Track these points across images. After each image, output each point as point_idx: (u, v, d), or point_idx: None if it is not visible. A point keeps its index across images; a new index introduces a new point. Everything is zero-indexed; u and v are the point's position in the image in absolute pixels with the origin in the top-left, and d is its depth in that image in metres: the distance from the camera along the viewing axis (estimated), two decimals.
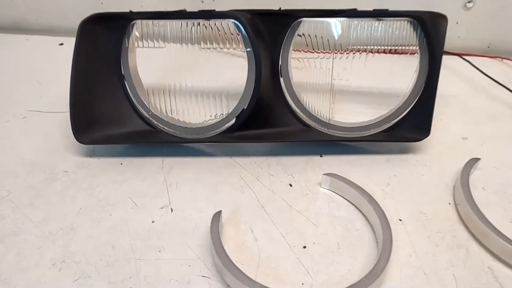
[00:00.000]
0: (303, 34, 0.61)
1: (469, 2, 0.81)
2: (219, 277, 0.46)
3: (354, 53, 0.60)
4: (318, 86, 0.63)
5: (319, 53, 0.61)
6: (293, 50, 0.62)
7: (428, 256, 0.48)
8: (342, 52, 0.60)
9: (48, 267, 0.47)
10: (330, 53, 0.61)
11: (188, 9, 0.60)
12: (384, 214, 0.50)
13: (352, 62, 0.61)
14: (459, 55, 0.79)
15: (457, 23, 0.83)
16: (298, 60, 0.62)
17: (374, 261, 0.46)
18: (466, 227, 0.51)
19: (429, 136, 0.60)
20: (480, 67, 0.78)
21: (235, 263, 0.44)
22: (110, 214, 0.53)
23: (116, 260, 0.48)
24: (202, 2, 0.85)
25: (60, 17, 0.94)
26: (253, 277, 0.44)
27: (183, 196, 0.56)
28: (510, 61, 0.83)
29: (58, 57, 0.85)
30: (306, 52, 0.62)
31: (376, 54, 0.60)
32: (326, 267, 0.47)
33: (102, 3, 0.88)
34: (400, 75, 0.61)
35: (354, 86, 0.66)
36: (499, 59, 0.84)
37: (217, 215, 0.49)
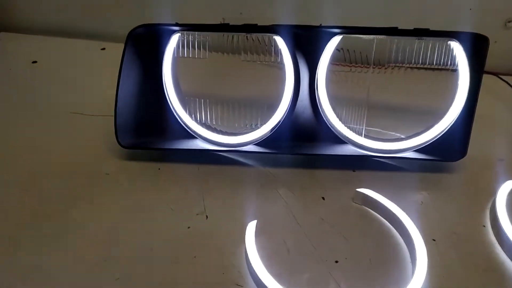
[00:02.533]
0: (341, 49, 0.61)
1: (509, 22, 0.80)
2: (252, 286, 0.47)
3: (392, 69, 0.61)
4: (355, 101, 0.63)
5: (356, 67, 0.62)
6: (332, 63, 0.62)
7: (460, 278, 0.48)
8: (380, 67, 0.61)
9: (90, 266, 0.49)
10: (368, 67, 0.61)
11: (227, 19, 0.61)
12: (419, 233, 0.50)
13: (390, 78, 0.61)
14: (497, 74, 0.78)
15: (495, 42, 0.82)
16: (336, 74, 0.63)
17: (407, 279, 0.46)
18: (501, 250, 0.51)
19: (466, 157, 0.60)
20: None
21: (270, 273, 0.45)
22: (149, 218, 0.55)
23: (154, 263, 0.49)
24: (241, 14, 0.87)
25: (103, 23, 0.97)
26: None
27: (218, 204, 0.57)
28: None
29: (100, 62, 0.89)
30: (344, 66, 0.62)
31: (415, 70, 0.60)
32: (358, 283, 0.48)
33: (144, 13, 0.91)
34: (439, 94, 0.61)
35: (391, 103, 0.66)
36: None
37: (252, 224, 0.51)
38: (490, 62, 0.79)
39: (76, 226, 0.54)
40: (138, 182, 0.60)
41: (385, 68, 0.61)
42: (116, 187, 0.60)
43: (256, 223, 0.52)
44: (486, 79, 0.78)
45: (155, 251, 0.51)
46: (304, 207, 0.57)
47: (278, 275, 0.47)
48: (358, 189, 0.57)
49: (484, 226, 0.54)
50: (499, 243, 0.52)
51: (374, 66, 0.61)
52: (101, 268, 0.49)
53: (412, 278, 0.45)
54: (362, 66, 0.61)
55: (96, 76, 0.83)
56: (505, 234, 0.50)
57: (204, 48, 0.61)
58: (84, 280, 0.47)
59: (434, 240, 0.52)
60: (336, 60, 0.62)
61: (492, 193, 0.57)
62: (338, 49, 0.62)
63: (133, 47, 0.60)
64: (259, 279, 0.45)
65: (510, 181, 0.57)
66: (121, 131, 0.61)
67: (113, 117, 0.60)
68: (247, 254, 0.48)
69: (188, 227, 0.54)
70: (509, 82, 0.78)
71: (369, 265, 0.50)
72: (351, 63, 0.62)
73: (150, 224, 0.54)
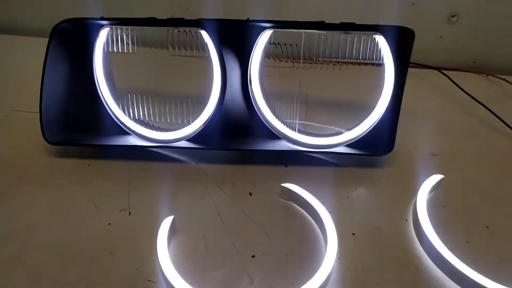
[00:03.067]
0: (273, 43, 0.61)
1: (453, 16, 0.80)
2: (164, 283, 0.46)
3: (322, 64, 0.60)
4: (287, 95, 0.63)
5: (288, 61, 0.61)
6: (264, 57, 0.62)
7: (375, 271, 0.48)
8: (310, 62, 0.61)
9: (2, 262, 0.48)
10: (299, 62, 0.61)
11: (175, 15, 0.61)
12: (334, 227, 0.50)
13: (320, 73, 0.61)
14: (438, 69, 0.79)
15: (441, 37, 0.82)
16: (268, 68, 0.63)
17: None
18: (419, 245, 0.51)
19: (397, 151, 0.60)
20: (463, 82, 0.77)
21: (182, 269, 0.45)
22: (70, 214, 0.54)
23: (69, 260, 0.49)
24: (188, 9, 0.86)
25: (49, 18, 0.96)
26: (196, 285, 0.44)
27: (144, 200, 0.57)
28: (494, 78, 0.81)
29: (40, 59, 0.87)
30: (276, 60, 0.62)
31: (344, 65, 0.60)
32: (271, 277, 0.47)
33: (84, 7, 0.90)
34: (367, 89, 0.61)
35: (322, 98, 0.66)
36: (484, 75, 0.83)
37: (168, 220, 0.50)
38: (435, 56, 0.80)
39: None
40: (65, 179, 0.60)
41: (315, 63, 0.60)
42: (42, 184, 0.59)
43: (175, 219, 0.51)
44: (429, 74, 0.79)
45: (71, 248, 0.50)
46: (230, 203, 0.57)
47: (191, 271, 0.47)
48: (283, 184, 0.56)
49: (406, 220, 0.54)
50: (417, 237, 0.52)
51: (305, 61, 0.61)
52: (13, 265, 0.48)
53: (317, 273, 0.45)
54: (293, 60, 0.61)
55: (35, 74, 0.82)
56: (422, 229, 0.50)
57: (133, 43, 0.61)
58: None
59: (353, 234, 0.52)
60: (268, 54, 0.62)
61: (418, 188, 0.57)
62: (270, 42, 0.61)
63: (58, 42, 0.60)
64: (166, 276, 0.45)
65: (436, 175, 0.57)
66: (48, 128, 0.60)
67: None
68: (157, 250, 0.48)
69: (109, 224, 0.53)
70: (453, 77, 0.78)
71: (285, 260, 0.49)
72: (282, 57, 0.61)
73: (71, 221, 0.54)
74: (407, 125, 0.62)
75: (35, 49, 0.93)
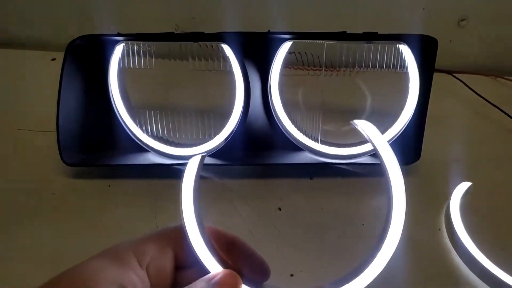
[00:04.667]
0: (293, 52, 0.60)
1: (462, 20, 0.81)
2: None
3: (344, 71, 0.60)
4: (309, 105, 0.62)
5: (309, 70, 0.60)
6: (284, 67, 0.61)
7: (415, 283, 0.48)
8: (332, 69, 0.60)
9: None
10: (320, 70, 0.60)
11: (180, 25, 0.59)
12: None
13: (342, 81, 0.60)
14: (451, 73, 0.79)
15: (450, 41, 0.83)
16: (288, 78, 0.62)
17: None
18: (456, 255, 0.51)
19: (420, 159, 0.60)
20: (473, 85, 0.78)
21: None
22: (98, 239, 0.52)
23: None
24: (194, 18, 0.85)
25: (52, 32, 0.93)
26: None
27: (171, 220, 0.55)
28: (503, 80, 0.82)
29: (50, 73, 0.85)
30: (296, 69, 0.61)
31: (367, 73, 0.59)
32: None
33: (94, 22, 0.88)
34: (391, 97, 0.60)
35: (344, 107, 0.65)
36: (493, 77, 0.84)
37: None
38: (445, 60, 0.80)
39: (18, 249, 0.51)
40: (86, 201, 0.58)
41: (337, 71, 0.60)
42: (62, 207, 0.57)
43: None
44: (441, 78, 0.80)
45: None
46: (260, 220, 0.55)
47: None
48: None
49: (439, 229, 0.54)
50: (453, 247, 0.51)
51: (326, 69, 0.60)
52: None
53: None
54: (315, 68, 0.60)
55: (46, 89, 0.79)
56: (458, 237, 0.50)
57: (151, 57, 0.59)
58: None
59: None
60: (288, 63, 0.61)
61: (448, 195, 0.57)
62: (290, 52, 0.60)
63: (73, 59, 0.57)
64: None
65: (464, 182, 0.57)
66: (65, 148, 0.58)
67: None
68: None
69: None
70: (463, 80, 0.78)
71: (324, 276, 0.48)
72: (303, 66, 0.60)
73: (99, 246, 0.52)
74: (426, 131, 0.61)
75: (36, 62, 0.91)
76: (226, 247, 0.36)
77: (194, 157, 0.38)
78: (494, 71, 0.84)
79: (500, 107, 0.72)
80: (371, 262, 0.36)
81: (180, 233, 0.34)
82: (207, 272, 0.33)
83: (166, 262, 0.33)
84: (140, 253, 0.32)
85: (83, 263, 0.29)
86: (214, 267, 0.33)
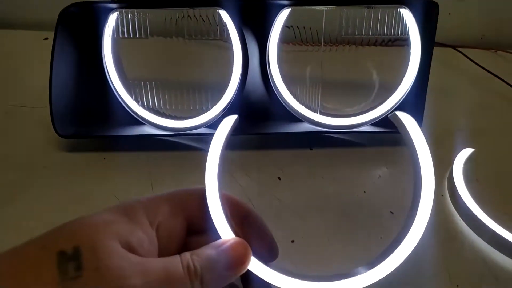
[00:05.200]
0: (291, 26, 0.59)
1: None
2: None
3: (344, 46, 0.58)
4: (308, 78, 0.61)
5: (307, 45, 0.59)
6: (282, 42, 0.60)
7: (420, 248, 0.46)
8: (331, 44, 0.58)
9: None
10: (319, 45, 0.59)
11: None
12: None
13: (342, 55, 0.59)
14: (453, 46, 0.78)
15: (449, 14, 0.82)
16: (287, 53, 0.60)
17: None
18: (460, 219, 0.50)
19: (423, 128, 0.58)
20: (474, 58, 0.77)
21: None
22: (92, 209, 0.51)
23: None
24: None
25: (44, 11, 0.91)
26: None
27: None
28: (504, 53, 0.81)
29: (43, 52, 0.83)
30: (295, 44, 0.60)
31: (367, 47, 0.58)
32: (315, 261, 0.45)
33: None
34: (391, 67, 0.59)
35: (345, 79, 0.64)
36: (493, 51, 0.83)
37: None
38: (445, 34, 0.79)
39: (12, 224, 0.49)
40: (80, 174, 0.56)
41: (336, 46, 0.58)
42: (56, 180, 0.55)
43: None
44: (443, 51, 0.79)
45: None
46: (259, 189, 0.54)
47: None
48: None
49: (442, 195, 0.53)
50: (457, 211, 0.50)
51: (325, 44, 0.58)
52: None
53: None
54: (314, 44, 0.59)
55: (38, 67, 0.78)
56: (462, 202, 0.49)
57: (145, 27, 0.57)
58: None
59: (392, 212, 0.51)
60: (286, 38, 0.60)
61: (450, 163, 0.56)
62: (287, 26, 0.59)
63: (66, 28, 0.56)
64: None
65: (467, 149, 0.56)
66: (59, 120, 0.56)
67: None
68: None
69: None
70: (465, 53, 0.77)
71: (327, 242, 0.47)
72: (301, 41, 0.59)
73: None
74: (429, 102, 0.60)
75: (28, 42, 0.89)
76: (240, 218, 0.35)
77: (226, 118, 0.37)
78: (493, 44, 0.83)
79: (501, 77, 0.71)
80: (399, 244, 0.35)
81: (193, 197, 0.33)
82: (219, 239, 0.32)
83: (177, 225, 0.32)
84: (152, 212, 0.30)
85: (91, 215, 0.28)
86: (227, 235, 0.32)
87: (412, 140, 0.36)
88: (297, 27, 0.59)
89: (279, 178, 0.56)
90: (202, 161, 0.58)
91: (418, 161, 0.35)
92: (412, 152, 0.36)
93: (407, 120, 0.37)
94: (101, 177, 0.55)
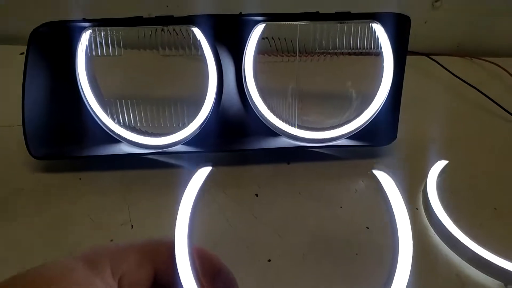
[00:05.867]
0: (266, 38, 0.59)
1: (436, 1, 0.81)
2: None
3: (318, 56, 0.59)
4: (284, 90, 0.61)
5: (283, 56, 0.59)
6: (258, 54, 0.60)
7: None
8: (306, 55, 0.59)
9: None
10: (294, 56, 0.59)
11: (153, 13, 0.57)
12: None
13: (316, 66, 0.59)
14: (427, 55, 0.79)
15: (425, 22, 0.83)
16: (263, 64, 0.61)
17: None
18: (435, 234, 0.50)
19: (396, 139, 0.59)
20: (450, 66, 0.78)
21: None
22: (68, 233, 0.51)
23: None
24: (167, 6, 0.83)
25: (20, 25, 0.90)
26: None
27: (145, 211, 0.54)
28: (479, 61, 0.82)
29: (19, 67, 0.82)
30: (271, 55, 0.60)
31: (341, 56, 0.58)
32: (292, 280, 0.46)
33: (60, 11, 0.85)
34: (366, 79, 0.60)
35: (320, 90, 0.64)
36: (469, 58, 0.84)
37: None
38: (420, 42, 0.80)
39: None
40: (56, 195, 0.55)
41: (311, 56, 0.59)
42: (31, 202, 0.54)
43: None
44: (417, 60, 0.79)
45: None
46: (237, 207, 0.54)
47: None
48: None
49: (417, 209, 0.54)
50: (431, 225, 0.51)
51: (300, 54, 0.59)
52: None
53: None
54: (289, 54, 0.59)
55: (15, 83, 0.77)
56: (436, 216, 0.50)
57: (119, 45, 0.57)
58: None
59: (368, 228, 0.51)
60: (262, 49, 0.60)
61: (424, 176, 0.56)
62: (263, 37, 0.59)
63: (38, 48, 0.55)
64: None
65: (441, 161, 0.57)
66: (33, 141, 0.56)
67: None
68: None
69: (111, 240, 0.50)
70: (440, 61, 0.78)
71: (303, 261, 0.48)
72: (277, 52, 0.59)
73: (70, 239, 0.50)
74: (403, 112, 0.61)
75: (3, 57, 0.88)
76: (210, 275, 0.34)
77: (200, 169, 0.37)
78: (469, 52, 0.84)
79: (475, 86, 0.72)
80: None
81: (163, 248, 0.31)
82: None
83: (142, 276, 0.31)
84: (117, 261, 0.29)
85: (52, 262, 0.27)
86: None
87: (390, 201, 0.36)
88: (272, 38, 0.59)
89: (257, 195, 0.56)
90: (180, 179, 0.58)
91: (395, 221, 0.35)
92: (389, 210, 0.36)
93: (384, 179, 0.38)
94: (76, 199, 0.55)
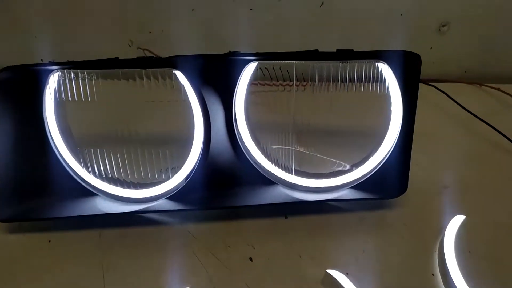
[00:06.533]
0: (259, 68, 0.52)
1: (443, 26, 0.75)
2: None
3: (317, 87, 0.52)
4: (279, 127, 0.54)
5: (278, 85, 0.52)
6: (250, 84, 0.53)
7: None
8: (304, 84, 0.52)
9: None
10: (291, 85, 0.52)
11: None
12: None
13: (316, 98, 0.52)
14: (434, 84, 0.73)
15: (431, 48, 0.77)
16: (256, 95, 0.53)
17: None
18: None
19: (406, 193, 0.53)
20: (457, 94, 0.72)
21: None
22: None
23: None
24: (150, 33, 0.76)
25: None
26: None
27: (123, 280, 0.47)
28: (488, 88, 0.76)
29: None
30: (264, 84, 0.53)
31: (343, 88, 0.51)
32: None
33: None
34: (371, 119, 0.54)
35: (320, 127, 0.57)
36: (477, 85, 0.78)
37: None
38: (425, 69, 0.74)
39: None
40: (22, 262, 0.48)
41: (310, 85, 0.51)
42: None
43: None
44: (422, 89, 0.73)
45: None
46: (228, 274, 0.48)
47: None
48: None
49: (433, 274, 0.47)
50: None
51: (298, 84, 0.52)
52: None
53: None
54: (284, 84, 0.52)
55: None
56: (454, 284, 0.44)
57: (91, 88, 0.50)
58: None
59: None
60: (255, 79, 0.53)
61: (439, 231, 0.50)
62: (256, 69, 0.52)
63: (1, 93, 0.48)
64: None
65: (458, 216, 0.51)
66: None
67: None
68: None
69: None
70: (447, 88, 0.72)
71: None
72: (271, 81, 0.52)
73: None
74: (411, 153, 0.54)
75: None
76: None
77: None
78: (477, 78, 0.78)
79: (485, 119, 0.66)
80: None
81: None
82: None
83: None
84: None
85: None
86: None
87: None
88: (266, 68, 0.52)
89: (251, 259, 0.49)
90: (163, 240, 0.52)
91: None
92: None
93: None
94: (45, 266, 0.48)
